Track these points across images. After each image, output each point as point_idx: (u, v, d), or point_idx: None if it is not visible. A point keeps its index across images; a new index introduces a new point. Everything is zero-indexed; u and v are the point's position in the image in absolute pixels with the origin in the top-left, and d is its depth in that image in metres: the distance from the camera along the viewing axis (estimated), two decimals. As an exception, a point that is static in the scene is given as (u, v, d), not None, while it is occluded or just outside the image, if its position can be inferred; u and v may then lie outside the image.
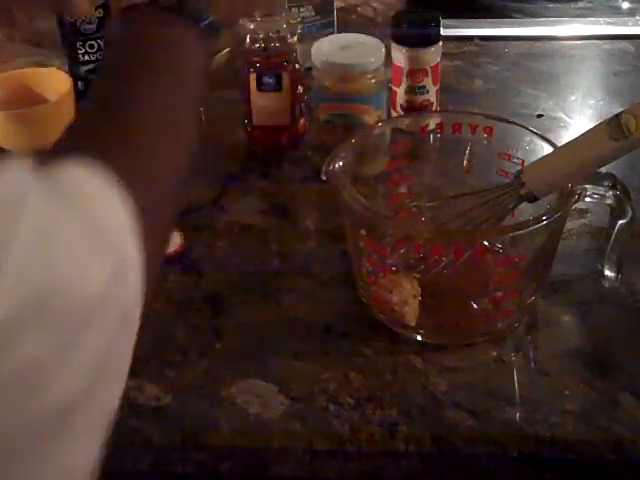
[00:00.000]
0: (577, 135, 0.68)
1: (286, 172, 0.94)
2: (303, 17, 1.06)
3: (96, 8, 0.97)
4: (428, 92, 0.94)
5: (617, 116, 0.65)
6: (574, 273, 0.78)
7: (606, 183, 0.68)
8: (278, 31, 0.92)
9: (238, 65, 0.99)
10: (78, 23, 0.98)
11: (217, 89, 1.09)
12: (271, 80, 0.93)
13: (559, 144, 0.71)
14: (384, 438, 0.65)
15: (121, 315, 0.42)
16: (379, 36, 0.91)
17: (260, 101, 0.94)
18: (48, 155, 0.45)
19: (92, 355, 0.40)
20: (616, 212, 0.70)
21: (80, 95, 0.98)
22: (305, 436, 0.65)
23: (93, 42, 0.99)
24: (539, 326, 0.74)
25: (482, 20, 1.23)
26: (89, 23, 0.98)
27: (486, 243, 0.76)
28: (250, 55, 0.93)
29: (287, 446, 0.65)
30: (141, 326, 0.75)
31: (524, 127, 0.75)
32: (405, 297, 0.71)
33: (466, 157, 0.79)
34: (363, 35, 0.92)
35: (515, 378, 0.69)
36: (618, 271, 0.73)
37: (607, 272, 0.73)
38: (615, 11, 1.24)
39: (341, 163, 0.72)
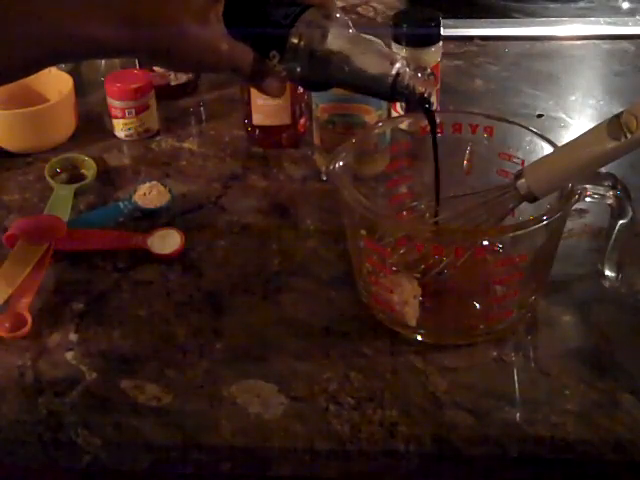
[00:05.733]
0: (577, 135, 0.68)
1: (286, 172, 0.94)
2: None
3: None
4: (428, 92, 0.94)
5: (617, 116, 0.64)
6: (574, 273, 0.78)
7: (606, 183, 0.68)
8: (278, 31, 0.92)
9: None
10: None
11: (217, 89, 1.10)
12: (271, 80, 0.93)
13: (559, 144, 0.71)
14: (384, 438, 0.65)
15: None
16: (379, 36, 0.91)
17: (260, 101, 0.94)
18: None
19: None
20: (616, 212, 0.70)
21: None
22: (305, 436, 0.65)
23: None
24: (539, 326, 0.74)
25: (482, 20, 1.23)
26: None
27: (486, 243, 0.76)
28: (250, 55, 0.93)
29: (287, 446, 0.65)
30: (141, 326, 0.76)
31: (524, 127, 0.75)
32: (405, 297, 0.71)
33: (466, 157, 0.79)
34: (363, 35, 0.91)
35: (515, 378, 0.69)
36: (618, 271, 0.73)
37: (607, 272, 0.73)
38: (615, 11, 1.25)
39: (341, 163, 0.72)
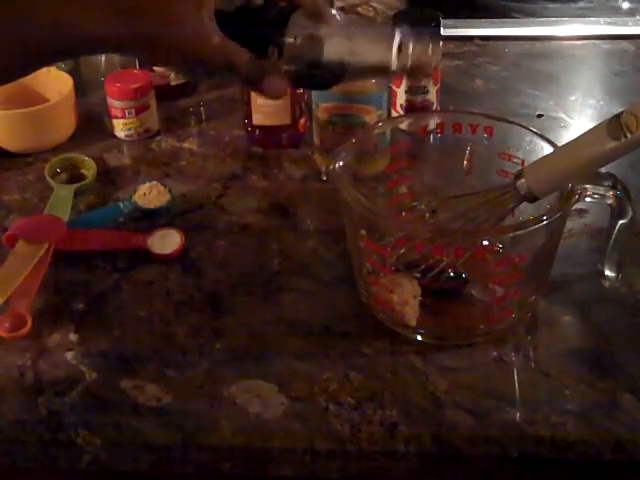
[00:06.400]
0: (577, 135, 0.68)
1: (286, 172, 0.94)
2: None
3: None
4: (428, 92, 0.94)
5: (617, 116, 0.65)
6: (574, 273, 0.78)
7: (606, 183, 0.68)
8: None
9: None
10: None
11: (217, 89, 1.10)
12: (271, 80, 0.93)
13: (559, 144, 0.71)
14: (384, 438, 0.65)
15: None
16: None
17: (260, 101, 0.94)
18: None
19: None
20: (616, 212, 0.70)
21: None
22: (305, 436, 0.65)
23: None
24: (539, 326, 0.74)
25: (482, 20, 1.23)
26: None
27: (486, 243, 0.76)
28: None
29: (287, 446, 0.65)
30: (141, 326, 0.76)
31: (524, 127, 0.75)
32: (405, 297, 0.71)
33: (466, 157, 0.79)
34: (363, 35, 0.91)
35: (515, 378, 0.69)
36: (618, 271, 0.73)
37: (607, 272, 0.73)
38: (615, 11, 1.25)
39: (341, 163, 0.72)
